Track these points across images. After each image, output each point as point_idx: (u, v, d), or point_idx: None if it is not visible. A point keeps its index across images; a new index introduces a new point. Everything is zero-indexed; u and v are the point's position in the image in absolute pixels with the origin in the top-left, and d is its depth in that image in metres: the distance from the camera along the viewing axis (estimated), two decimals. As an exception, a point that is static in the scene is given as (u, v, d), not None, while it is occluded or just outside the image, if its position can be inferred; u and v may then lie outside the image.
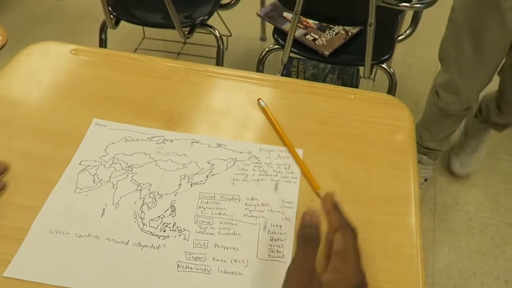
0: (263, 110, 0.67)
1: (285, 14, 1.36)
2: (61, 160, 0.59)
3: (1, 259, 0.50)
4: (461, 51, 1.07)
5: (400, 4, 1.04)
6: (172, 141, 0.62)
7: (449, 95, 1.20)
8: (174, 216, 0.54)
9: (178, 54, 1.80)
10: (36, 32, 1.99)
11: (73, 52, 0.76)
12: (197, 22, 1.39)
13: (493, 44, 1.01)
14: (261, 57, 1.39)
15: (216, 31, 1.44)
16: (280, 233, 0.52)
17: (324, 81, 1.48)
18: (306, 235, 0.43)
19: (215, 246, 0.51)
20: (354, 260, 0.42)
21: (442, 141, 1.33)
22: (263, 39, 1.96)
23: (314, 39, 1.30)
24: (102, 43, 1.50)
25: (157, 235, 0.52)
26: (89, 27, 1.95)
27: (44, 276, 0.48)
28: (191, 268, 0.49)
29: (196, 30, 1.43)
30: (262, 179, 0.58)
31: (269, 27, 1.43)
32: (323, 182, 0.58)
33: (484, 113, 1.38)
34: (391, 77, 1.34)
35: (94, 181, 0.57)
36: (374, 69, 1.63)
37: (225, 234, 0.52)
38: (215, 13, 1.52)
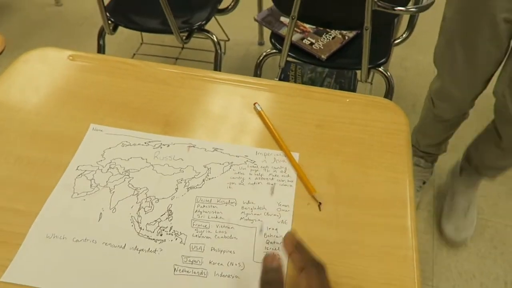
0: (259, 114, 0.67)
1: (282, 18, 1.37)
2: (59, 165, 0.60)
3: (-2, 264, 0.50)
4: (453, 60, 1.06)
5: (395, 8, 1.05)
6: (169, 145, 0.62)
7: (443, 102, 1.19)
8: (171, 220, 0.54)
9: (176, 59, 1.81)
10: (34, 38, 2.00)
11: (71, 58, 0.76)
12: (195, 27, 1.39)
13: (485, 55, 1.00)
14: (258, 61, 1.40)
15: (214, 36, 1.45)
16: (276, 236, 0.53)
17: (321, 85, 1.49)
18: (270, 280, 0.43)
19: (211, 250, 0.51)
20: None
21: (439, 145, 1.33)
22: (261, 43, 1.97)
23: (311, 43, 1.31)
24: (100, 49, 1.50)
25: (153, 239, 0.52)
26: (88, 33, 1.96)
27: (42, 281, 0.48)
28: (187, 271, 0.49)
29: (194, 35, 1.44)
30: (259, 183, 0.58)
31: (267, 32, 1.44)
32: (319, 185, 0.58)
33: (474, 160, 1.27)
34: (388, 80, 1.34)
35: (91, 185, 0.57)
36: (371, 73, 1.64)
37: (222, 237, 0.52)
38: (213, 18, 1.53)
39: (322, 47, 1.30)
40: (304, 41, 1.31)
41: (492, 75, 1.06)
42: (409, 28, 1.36)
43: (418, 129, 1.35)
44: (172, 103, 0.69)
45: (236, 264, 0.50)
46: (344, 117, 0.68)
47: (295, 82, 1.50)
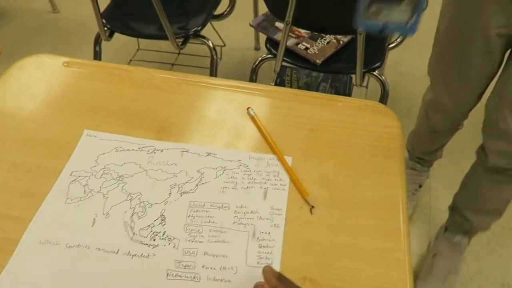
0: (253, 119, 0.68)
1: (277, 24, 1.38)
2: (53, 171, 0.60)
3: (-9, 270, 0.50)
4: (446, 72, 1.05)
5: (388, 13, 1.05)
6: (162, 150, 0.63)
7: (436, 114, 1.19)
8: (164, 225, 0.54)
9: (172, 64, 1.81)
10: (31, 45, 2.01)
11: (66, 64, 0.77)
12: (191, 33, 1.40)
13: (478, 69, 0.98)
14: (254, 66, 1.41)
15: (210, 41, 1.45)
16: (269, 240, 0.53)
17: (317, 90, 1.49)
18: None
19: (204, 254, 0.51)
20: None
21: (434, 152, 1.33)
22: (257, 48, 1.98)
23: (306, 48, 1.31)
24: (97, 55, 1.51)
25: (147, 244, 0.52)
26: (84, 39, 1.97)
27: (34, 287, 0.48)
28: (180, 276, 0.50)
29: (190, 41, 1.44)
30: (251, 187, 0.59)
31: (263, 37, 1.44)
32: (312, 189, 0.59)
33: (459, 204, 1.17)
34: (383, 84, 1.35)
35: (85, 191, 0.57)
36: (367, 77, 1.65)
37: (215, 242, 0.53)
38: (209, 24, 1.54)
39: (317, 52, 1.30)
40: (299, 46, 1.32)
41: (485, 88, 1.04)
42: (403, 32, 1.37)
43: (413, 136, 1.34)
44: (167, 108, 0.70)
45: (229, 268, 0.50)
46: (337, 121, 0.68)
47: (290, 86, 1.50)
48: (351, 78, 1.53)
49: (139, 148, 0.63)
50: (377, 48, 1.33)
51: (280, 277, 0.44)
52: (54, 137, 0.65)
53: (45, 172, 0.60)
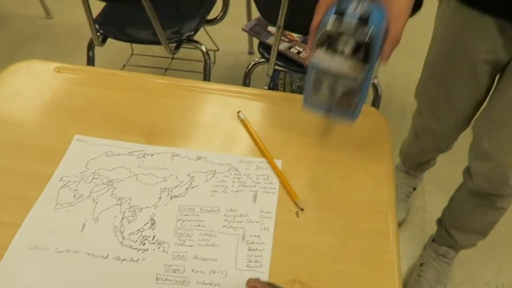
0: (243, 123, 0.68)
1: (270, 28, 1.38)
2: (43, 176, 0.60)
3: (-20, 276, 0.50)
4: (433, 98, 1.05)
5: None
6: (152, 155, 0.63)
7: (425, 137, 1.19)
8: (154, 229, 0.54)
9: (166, 69, 1.82)
10: (25, 51, 2.01)
11: (57, 70, 0.77)
12: (184, 37, 1.41)
13: (465, 95, 0.98)
14: (247, 70, 1.41)
15: (203, 46, 1.46)
16: (259, 243, 0.53)
17: (310, 93, 1.50)
18: None
19: (194, 258, 0.51)
20: None
21: (427, 162, 1.33)
22: (251, 53, 1.98)
23: (299, 52, 1.32)
24: (90, 61, 1.51)
25: (136, 249, 0.52)
26: (78, 44, 1.97)
27: (23, 293, 0.48)
28: (170, 280, 0.50)
29: (183, 46, 1.45)
30: (241, 190, 0.59)
31: (256, 41, 1.45)
32: (302, 192, 0.59)
33: (446, 219, 1.16)
34: (376, 88, 1.36)
35: (74, 196, 0.57)
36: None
37: (204, 245, 0.53)
38: (203, 29, 1.54)
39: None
40: (291, 50, 1.33)
41: (474, 114, 1.03)
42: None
43: (405, 152, 1.34)
44: (157, 113, 0.70)
45: (218, 272, 0.50)
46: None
47: (284, 90, 1.51)
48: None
49: (129, 153, 0.63)
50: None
51: (270, 285, 0.44)
52: (45, 142, 0.65)
53: (35, 177, 0.60)
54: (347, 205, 0.58)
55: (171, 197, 0.58)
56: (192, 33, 1.41)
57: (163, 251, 0.52)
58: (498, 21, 0.80)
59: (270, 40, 1.34)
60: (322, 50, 0.50)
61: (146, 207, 0.56)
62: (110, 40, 1.46)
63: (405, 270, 1.28)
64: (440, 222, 1.20)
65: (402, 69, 1.87)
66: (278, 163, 0.62)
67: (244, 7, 1.75)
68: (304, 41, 1.36)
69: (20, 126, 0.67)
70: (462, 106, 1.01)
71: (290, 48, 1.34)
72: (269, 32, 1.37)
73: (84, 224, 0.54)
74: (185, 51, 1.63)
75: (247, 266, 0.51)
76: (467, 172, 1.02)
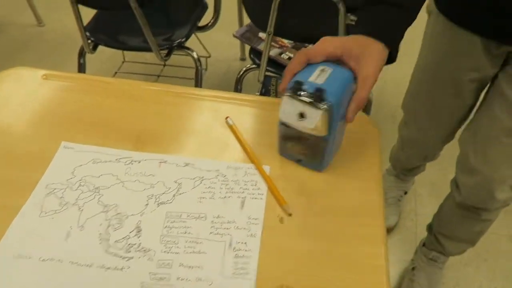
0: (231, 128, 0.68)
1: (261, 34, 1.39)
2: (28, 184, 0.59)
3: (-39, 287, 0.49)
4: (418, 111, 1.06)
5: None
6: (140, 161, 0.62)
7: (410, 149, 1.20)
8: (140, 236, 0.54)
9: (158, 76, 1.81)
10: (17, 58, 2.00)
11: (44, 77, 0.76)
12: (175, 44, 1.41)
13: (449, 111, 0.99)
14: (238, 76, 1.42)
15: (194, 52, 1.46)
16: (246, 250, 0.53)
17: (302, 99, 1.50)
18: None
19: (179, 266, 0.51)
20: None
21: (417, 167, 1.33)
22: (243, 59, 1.99)
23: (290, 58, 1.33)
24: (81, 68, 1.51)
25: (121, 257, 0.51)
26: (69, 52, 1.96)
27: (6, 303, 0.47)
28: (155, 288, 0.49)
29: (175, 52, 1.45)
30: (229, 197, 0.58)
31: (248, 48, 1.46)
32: (290, 197, 0.59)
33: (435, 225, 1.16)
34: (366, 92, 1.36)
35: (60, 204, 0.57)
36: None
37: (191, 252, 0.52)
38: (194, 35, 1.55)
39: (300, 61, 1.32)
40: (282, 56, 1.33)
41: (458, 128, 1.04)
42: (385, 41, 1.39)
43: (393, 157, 1.35)
44: (145, 119, 0.69)
45: (204, 280, 0.50)
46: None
47: (276, 96, 1.51)
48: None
49: (116, 160, 0.63)
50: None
51: None
52: (31, 149, 0.64)
53: (21, 185, 0.59)
54: (336, 210, 0.58)
55: (158, 204, 0.57)
56: (183, 39, 1.42)
57: (149, 259, 0.51)
58: (483, 40, 0.81)
59: (261, 46, 1.35)
60: (287, 109, 0.55)
61: (132, 214, 0.56)
62: (101, 47, 1.46)
63: (397, 275, 1.28)
64: (429, 227, 1.20)
65: (393, 74, 1.88)
66: (266, 169, 0.62)
67: (236, 14, 1.76)
68: (295, 47, 1.36)
69: (7, 133, 0.66)
70: (445, 121, 1.02)
71: (281, 54, 1.34)
72: (260, 38, 1.38)
73: (69, 232, 0.54)
74: (177, 58, 1.63)
75: (234, 273, 0.50)
76: (454, 183, 1.03)
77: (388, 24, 0.59)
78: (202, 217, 0.56)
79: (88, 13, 1.46)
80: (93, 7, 1.34)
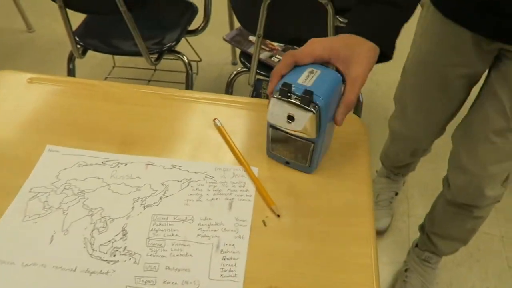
0: (219, 130, 0.67)
1: (251, 37, 1.39)
2: (12, 188, 0.58)
3: None
4: (407, 105, 1.06)
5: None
6: (126, 164, 0.62)
7: (399, 142, 1.20)
8: (125, 240, 0.53)
9: (149, 81, 1.81)
10: (6, 64, 1.98)
11: (29, 80, 0.75)
12: (165, 48, 1.40)
13: (437, 106, 0.99)
14: (229, 80, 1.41)
15: (184, 56, 1.46)
16: (233, 252, 0.52)
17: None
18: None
19: (166, 269, 0.50)
20: None
21: (407, 166, 1.33)
22: (234, 63, 1.99)
23: (280, 61, 1.33)
24: (71, 73, 1.50)
25: (106, 260, 0.50)
26: (60, 57, 1.94)
27: (-14, 310, 0.46)
28: (141, 292, 0.48)
29: (165, 57, 1.44)
30: (217, 199, 0.58)
31: (239, 52, 1.46)
32: (278, 198, 0.58)
33: (427, 225, 1.16)
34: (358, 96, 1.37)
35: (44, 208, 0.56)
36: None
37: (177, 255, 0.51)
38: (185, 40, 1.54)
39: (290, 64, 1.32)
40: (272, 59, 1.33)
41: (446, 123, 1.05)
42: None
43: (384, 154, 1.35)
44: (132, 121, 0.69)
45: (191, 283, 0.49)
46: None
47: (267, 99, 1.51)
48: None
49: (102, 162, 0.62)
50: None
51: None
52: (16, 153, 0.63)
53: (4, 190, 0.58)
54: (324, 210, 0.58)
55: (144, 207, 0.56)
56: (173, 43, 1.41)
57: (134, 262, 0.50)
58: (474, 35, 0.81)
59: (251, 50, 1.34)
60: (275, 112, 0.54)
61: (118, 218, 0.55)
62: (92, 53, 1.45)
63: (390, 276, 1.27)
64: (422, 228, 1.20)
65: (385, 76, 1.89)
66: (255, 170, 0.62)
67: (227, 17, 1.76)
68: (285, 50, 1.36)
69: (-10, 138, 0.65)
70: (434, 115, 1.02)
71: (271, 57, 1.34)
72: (250, 41, 1.38)
73: (52, 236, 0.52)
74: (168, 62, 1.62)
75: (221, 275, 0.50)
76: (446, 181, 1.03)
77: (379, 23, 0.58)
78: (189, 219, 0.55)
79: (78, 19, 1.45)
80: (82, 11, 1.33)
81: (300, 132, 0.55)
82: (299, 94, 0.52)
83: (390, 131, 1.23)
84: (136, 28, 1.26)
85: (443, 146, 1.13)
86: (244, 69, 1.37)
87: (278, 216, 0.56)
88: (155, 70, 1.82)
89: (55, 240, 0.52)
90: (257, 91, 1.54)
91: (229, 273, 0.50)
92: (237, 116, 0.71)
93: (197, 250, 0.52)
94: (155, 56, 1.41)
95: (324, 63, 0.57)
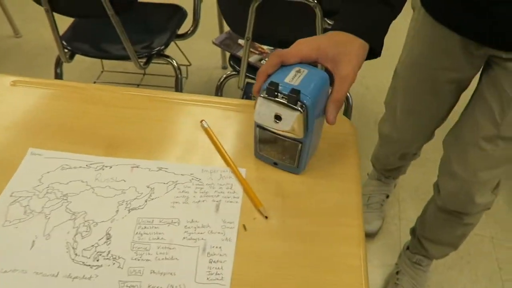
0: (206, 131, 0.66)
1: (240, 41, 1.39)
2: (-7, 193, 0.57)
3: None
4: (397, 108, 1.06)
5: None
6: (111, 167, 0.60)
7: (387, 145, 1.20)
8: (109, 244, 0.51)
9: (138, 85, 1.79)
10: (-7, 69, 1.96)
11: (12, 83, 0.74)
12: (154, 52, 1.39)
13: (426, 110, 0.99)
14: (219, 83, 1.41)
15: (174, 60, 1.45)
16: (220, 255, 0.51)
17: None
18: None
19: (151, 273, 0.49)
20: None
21: (398, 169, 1.33)
22: (224, 67, 1.98)
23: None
24: (58, 77, 1.48)
25: (89, 265, 0.49)
26: (47, 62, 1.92)
27: (-37, 318, 0.44)
28: (125, 297, 0.47)
29: (154, 61, 1.43)
30: (203, 201, 0.57)
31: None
32: (266, 199, 0.57)
33: (418, 228, 1.15)
34: (347, 98, 1.37)
35: (25, 212, 0.54)
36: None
37: (163, 259, 0.50)
38: (174, 44, 1.53)
39: (280, 67, 1.31)
40: (262, 62, 1.33)
41: (435, 128, 1.05)
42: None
43: (374, 156, 1.35)
44: (118, 124, 0.67)
45: (176, 287, 0.48)
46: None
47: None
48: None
49: (86, 165, 0.60)
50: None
51: None
52: (-2, 157, 0.61)
53: (-16, 195, 0.56)
54: (313, 211, 0.57)
55: (129, 210, 0.55)
56: (162, 47, 1.40)
57: (118, 266, 0.49)
58: (463, 39, 0.81)
59: (241, 53, 1.34)
60: (262, 111, 0.54)
61: (102, 221, 0.53)
62: (80, 57, 1.43)
63: (381, 279, 1.27)
64: (413, 231, 1.20)
65: (374, 80, 1.90)
66: (242, 171, 0.61)
67: (217, 22, 1.76)
68: (275, 53, 1.36)
69: (-29, 141, 0.64)
70: (423, 119, 1.02)
71: (261, 60, 1.34)
72: (239, 45, 1.38)
73: (34, 241, 0.51)
74: (157, 66, 1.61)
75: (207, 279, 0.48)
76: (437, 187, 1.03)
77: (368, 20, 0.58)
78: (175, 222, 0.54)
79: (66, 23, 1.44)
80: (69, 15, 1.31)
81: (288, 132, 0.54)
82: (286, 93, 0.52)
83: (380, 134, 1.23)
84: (124, 32, 1.25)
85: (434, 150, 1.13)
86: (234, 73, 1.36)
87: (266, 217, 0.55)
88: (144, 74, 1.81)
89: (37, 245, 0.51)
90: (247, 95, 1.53)
91: (215, 276, 0.49)
92: (226, 117, 0.70)
93: (183, 253, 0.51)
94: (144, 60, 1.40)
95: (312, 63, 0.56)
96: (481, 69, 0.87)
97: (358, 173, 0.63)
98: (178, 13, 1.53)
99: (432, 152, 1.21)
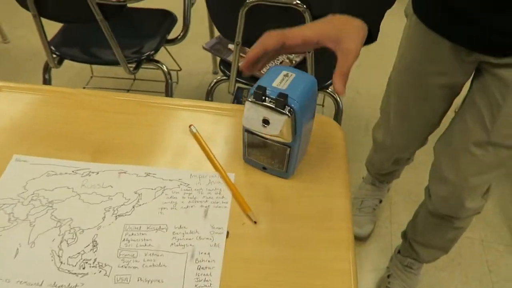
0: (195, 136, 0.66)
1: (230, 46, 1.38)
2: (-24, 201, 0.55)
3: None
4: (390, 114, 1.06)
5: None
6: (98, 173, 0.60)
7: (381, 151, 1.21)
8: (96, 251, 0.50)
9: (128, 90, 1.78)
10: (-19, 75, 1.93)
11: (-3, 89, 0.73)
12: (143, 57, 1.39)
13: (419, 116, 0.99)
14: (209, 88, 1.40)
15: (164, 65, 1.44)
16: (209, 261, 0.50)
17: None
18: None
19: (138, 280, 0.48)
20: None
21: (391, 173, 1.34)
22: (215, 72, 1.98)
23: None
24: (46, 83, 1.46)
25: (75, 273, 0.48)
26: (36, 68, 1.90)
27: None
28: (111, 306, 0.46)
29: (144, 66, 1.43)
30: (192, 206, 0.56)
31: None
32: (255, 204, 0.57)
33: (409, 232, 1.16)
34: (337, 102, 1.37)
35: (9, 220, 0.53)
36: (322, 95, 1.68)
37: (150, 266, 0.49)
38: (165, 49, 1.53)
39: (270, 72, 1.31)
40: (252, 67, 1.33)
41: (428, 134, 1.06)
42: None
43: (368, 161, 1.36)
44: (105, 129, 0.67)
45: (164, 293, 0.47)
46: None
47: (247, 107, 1.50)
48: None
49: (73, 172, 0.59)
50: (330, 66, 1.35)
51: None
52: (-20, 164, 0.60)
53: (-34, 203, 0.55)
54: (302, 215, 0.57)
55: (116, 216, 0.54)
56: (152, 52, 1.40)
57: (105, 274, 0.48)
58: (454, 45, 0.81)
59: (231, 58, 1.34)
60: (250, 116, 0.54)
61: (88, 228, 0.53)
62: (69, 63, 1.42)
63: (373, 282, 1.26)
64: (404, 235, 1.20)
65: (366, 84, 1.91)
66: (231, 176, 0.60)
67: (207, 27, 1.76)
68: (265, 58, 1.36)
69: (-45, 148, 0.62)
70: (416, 125, 1.03)
71: (250, 65, 1.34)
72: (229, 49, 1.37)
73: (18, 249, 0.50)
74: (147, 72, 1.60)
75: (195, 285, 0.48)
76: (428, 191, 1.03)
77: (366, 2, 0.58)
78: (163, 228, 0.53)
79: (54, 29, 1.43)
80: (57, 20, 1.30)
81: (276, 136, 0.54)
82: (274, 97, 0.51)
83: (374, 140, 1.23)
84: (113, 37, 1.25)
85: (427, 153, 1.14)
86: (224, 78, 1.36)
87: (255, 222, 0.55)
88: (134, 79, 1.80)
89: (21, 254, 0.50)
90: (238, 99, 1.53)
91: (204, 283, 0.48)
92: (215, 122, 0.70)
93: (171, 260, 0.50)
94: (134, 65, 1.39)
95: (299, 68, 0.56)
96: (472, 76, 0.88)
97: (347, 177, 0.63)
98: (168, 18, 1.53)
99: (425, 155, 1.21)
